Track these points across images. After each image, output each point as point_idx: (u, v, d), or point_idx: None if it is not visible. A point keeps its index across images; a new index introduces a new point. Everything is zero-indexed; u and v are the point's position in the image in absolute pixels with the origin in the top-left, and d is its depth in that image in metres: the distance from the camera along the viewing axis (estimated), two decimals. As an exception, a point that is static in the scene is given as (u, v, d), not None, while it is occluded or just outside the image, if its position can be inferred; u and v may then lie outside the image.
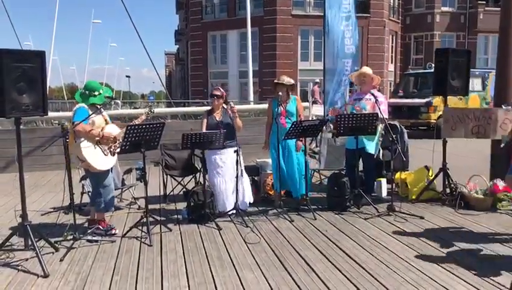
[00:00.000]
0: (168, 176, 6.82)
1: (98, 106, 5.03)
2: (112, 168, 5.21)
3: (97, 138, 4.88)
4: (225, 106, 6.01)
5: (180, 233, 5.20)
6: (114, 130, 5.11)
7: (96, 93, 5.01)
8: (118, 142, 5.06)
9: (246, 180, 6.05)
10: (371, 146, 6.33)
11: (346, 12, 8.15)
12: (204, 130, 5.83)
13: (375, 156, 6.45)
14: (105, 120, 5.16)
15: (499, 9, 7.00)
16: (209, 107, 6.22)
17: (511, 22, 6.54)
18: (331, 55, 8.18)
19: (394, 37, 33.99)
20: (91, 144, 4.87)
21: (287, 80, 6.22)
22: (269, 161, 6.57)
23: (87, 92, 5.03)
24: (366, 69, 6.56)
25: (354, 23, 8.29)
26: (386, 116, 6.14)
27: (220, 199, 5.85)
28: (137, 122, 5.13)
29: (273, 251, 4.58)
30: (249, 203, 6.09)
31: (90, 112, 4.89)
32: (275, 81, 6.25)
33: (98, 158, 4.92)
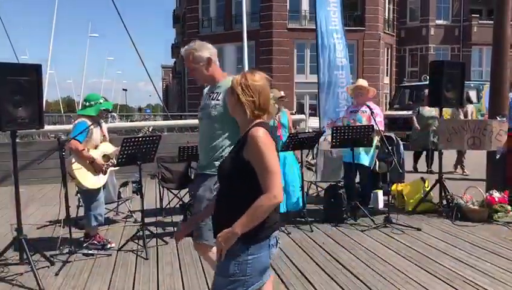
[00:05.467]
0: (165, 189, 6.80)
1: (102, 112, 5.06)
2: (105, 183, 5.21)
3: (88, 161, 4.90)
4: None
5: (177, 246, 5.16)
6: (108, 148, 5.12)
7: (93, 103, 5.03)
8: (110, 161, 5.07)
9: None
10: (366, 158, 6.35)
11: (334, 25, 8.25)
12: None
13: (371, 168, 6.47)
14: (104, 135, 5.17)
15: (492, 22, 7.08)
16: None
17: (504, 35, 6.61)
18: (325, 68, 8.23)
19: (389, 50, 34.23)
20: (82, 163, 4.87)
21: (282, 94, 6.27)
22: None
23: (92, 102, 5.07)
24: (362, 82, 6.59)
25: (343, 35, 8.38)
26: (382, 128, 6.17)
27: None
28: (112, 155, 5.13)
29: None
30: None
31: (89, 123, 4.89)
32: (279, 96, 6.24)
33: (88, 177, 4.91)
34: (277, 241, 2.28)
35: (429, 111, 9.75)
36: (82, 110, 5.08)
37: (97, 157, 4.95)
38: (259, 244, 2.17)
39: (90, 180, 4.92)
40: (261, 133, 2.15)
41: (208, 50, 3.24)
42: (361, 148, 6.21)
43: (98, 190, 5.04)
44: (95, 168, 4.94)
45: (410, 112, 15.14)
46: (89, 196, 5.04)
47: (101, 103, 5.04)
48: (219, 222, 2.24)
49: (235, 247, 2.13)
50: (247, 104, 2.25)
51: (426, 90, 9.31)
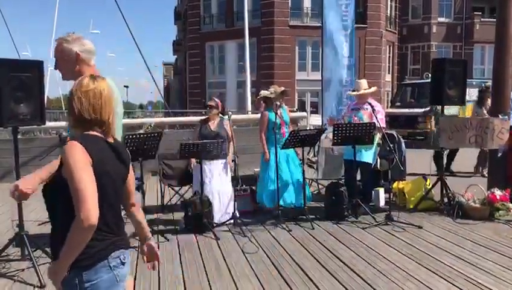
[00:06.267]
0: (166, 186, 6.81)
1: None
2: None
3: None
4: (223, 117, 6.02)
5: (178, 243, 5.18)
6: None
7: None
8: None
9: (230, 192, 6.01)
10: (368, 156, 6.35)
11: (345, 20, 8.20)
12: (196, 139, 5.87)
13: (372, 166, 6.46)
14: None
15: (494, 20, 7.05)
16: (204, 117, 6.23)
17: (506, 32, 6.59)
18: (329, 66, 8.20)
19: (391, 48, 34.17)
20: None
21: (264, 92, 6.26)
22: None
23: None
24: (364, 86, 6.52)
25: (352, 32, 8.33)
26: (383, 125, 6.17)
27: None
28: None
29: (270, 260, 4.57)
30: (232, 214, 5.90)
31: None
32: (281, 90, 6.20)
33: None
34: (121, 261, 2.08)
35: (446, 109, 8.64)
36: None
37: None
38: (94, 268, 1.96)
39: None
40: (70, 148, 1.91)
41: (80, 46, 2.86)
42: (362, 146, 6.20)
43: None
44: None
45: (413, 110, 15.18)
46: None
47: None
48: (52, 248, 2.05)
49: (68, 276, 1.94)
50: (69, 111, 2.06)
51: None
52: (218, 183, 5.90)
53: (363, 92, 6.46)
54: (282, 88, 6.27)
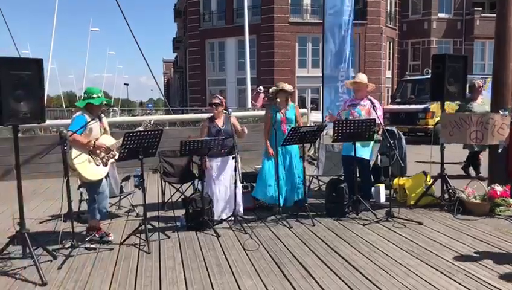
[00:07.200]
0: (167, 183, 6.81)
1: (96, 107, 5.04)
2: (108, 176, 5.21)
3: (89, 149, 4.90)
4: (226, 112, 6.01)
5: (179, 240, 5.19)
6: (108, 140, 5.12)
7: (95, 96, 5.04)
8: (111, 153, 5.08)
9: (239, 189, 6.03)
10: (365, 151, 6.33)
11: (346, 15, 8.20)
12: (204, 137, 5.86)
13: (372, 162, 6.46)
14: (104, 128, 5.17)
15: (495, 15, 7.04)
16: (209, 115, 6.22)
17: (506, 28, 6.58)
18: (331, 62, 8.21)
19: (391, 44, 34.12)
20: (83, 154, 4.87)
21: (288, 87, 6.26)
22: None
23: (86, 95, 5.09)
24: (362, 77, 6.54)
25: (351, 27, 8.34)
26: (381, 122, 6.17)
27: (215, 206, 5.86)
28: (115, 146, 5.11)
29: (271, 257, 4.58)
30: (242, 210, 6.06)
31: (88, 119, 4.89)
32: (280, 88, 6.20)
33: (90, 169, 4.92)
34: None
35: (480, 105, 8.38)
36: (85, 101, 5.09)
37: (97, 142, 4.94)
38: None
39: (91, 172, 4.93)
40: None
41: None
42: (359, 142, 6.18)
43: (100, 181, 5.04)
44: (95, 152, 4.93)
45: (413, 106, 15.15)
46: (92, 188, 5.05)
47: (93, 98, 5.02)
48: None
49: None
50: None
51: (477, 82, 8.47)
52: (227, 180, 5.92)
53: (360, 80, 6.42)
54: (284, 86, 6.22)
